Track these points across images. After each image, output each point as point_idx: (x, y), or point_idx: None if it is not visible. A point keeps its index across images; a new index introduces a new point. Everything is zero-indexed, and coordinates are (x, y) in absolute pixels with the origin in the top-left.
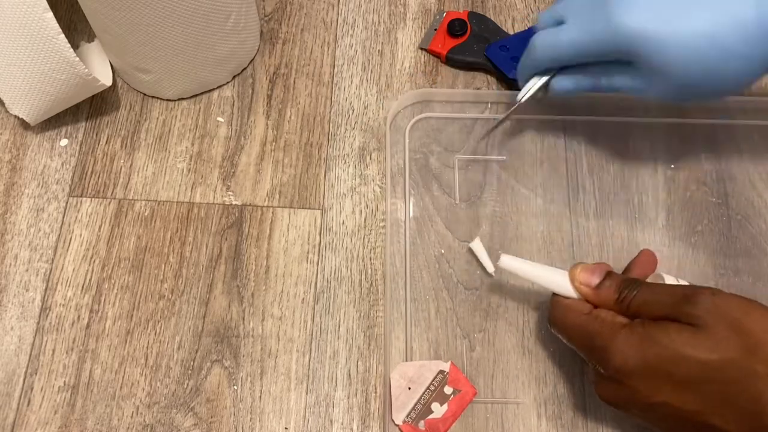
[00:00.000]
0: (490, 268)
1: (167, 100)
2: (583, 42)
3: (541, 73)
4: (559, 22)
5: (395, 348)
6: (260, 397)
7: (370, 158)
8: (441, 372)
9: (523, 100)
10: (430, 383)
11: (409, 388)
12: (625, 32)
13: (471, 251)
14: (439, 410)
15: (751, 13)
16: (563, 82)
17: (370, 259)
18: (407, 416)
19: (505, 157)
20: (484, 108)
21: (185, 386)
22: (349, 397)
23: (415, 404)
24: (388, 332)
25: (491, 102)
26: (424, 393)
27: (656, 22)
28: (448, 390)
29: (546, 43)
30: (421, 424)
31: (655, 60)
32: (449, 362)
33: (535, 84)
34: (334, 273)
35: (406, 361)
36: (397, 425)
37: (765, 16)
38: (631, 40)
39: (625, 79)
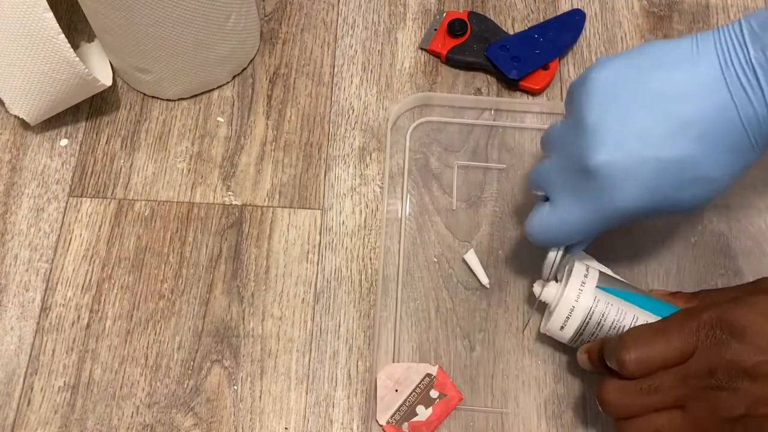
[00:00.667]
0: (484, 280)
1: (167, 100)
2: (584, 227)
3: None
4: (543, 197)
5: (395, 348)
6: (260, 397)
7: (370, 158)
8: (428, 375)
9: (550, 278)
10: (417, 386)
11: (396, 390)
12: (629, 210)
13: (465, 262)
14: (423, 413)
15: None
16: (580, 246)
17: (370, 259)
18: (391, 417)
19: (504, 165)
20: (485, 111)
21: (185, 386)
22: (349, 397)
23: (400, 406)
24: (388, 332)
25: (491, 106)
26: (409, 395)
27: (650, 196)
28: (434, 394)
29: (543, 232)
30: (405, 426)
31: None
32: (437, 366)
33: (554, 260)
34: (334, 273)
35: (406, 360)
36: (381, 425)
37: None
38: (636, 214)
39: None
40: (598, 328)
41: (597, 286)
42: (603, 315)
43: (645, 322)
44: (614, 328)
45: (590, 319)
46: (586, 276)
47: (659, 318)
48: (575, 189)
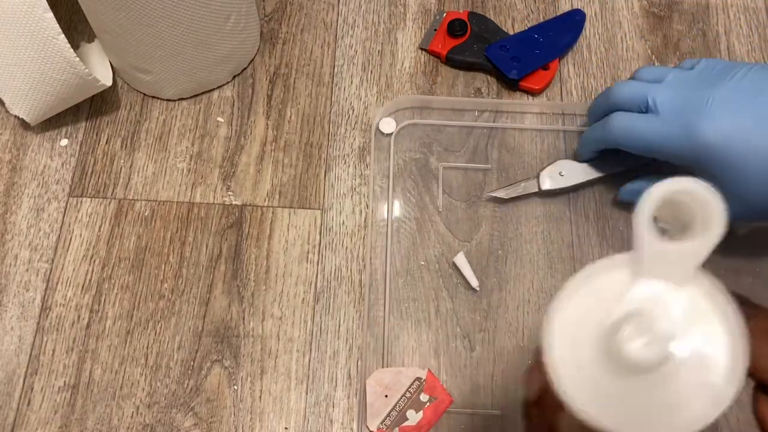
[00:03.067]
0: (474, 283)
1: (167, 100)
2: (661, 136)
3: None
4: (640, 108)
5: (395, 348)
6: (260, 397)
7: (371, 158)
8: (417, 379)
9: (504, 195)
10: (406, 390)
11: (386, 396)
12: (706, 139)
13: (455, 265)
14: (414, 417)
15: None
16: (627, 196)
17: (370, 258)
18: (382, 423)
19: (490, 166)
20: (485, 111)
21: (185, 386)
22: (349, 397)
23: (390, 411)
24: (388, 332)
25: (492, 107)
26: (399, 400)
27: (738, 138)
28: (424, 397)
29: (624, 125)
30: (396, 431)
31: (732, 175)
32: (426, 369)
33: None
34: (334, 273)
35: (406, 360)
36: (372, 431)
37: None
38: (710, 147)
39: None
40: None
41: None
42: None
43: None
44: None
45: None
46: None
47: None
48: (680, 109)
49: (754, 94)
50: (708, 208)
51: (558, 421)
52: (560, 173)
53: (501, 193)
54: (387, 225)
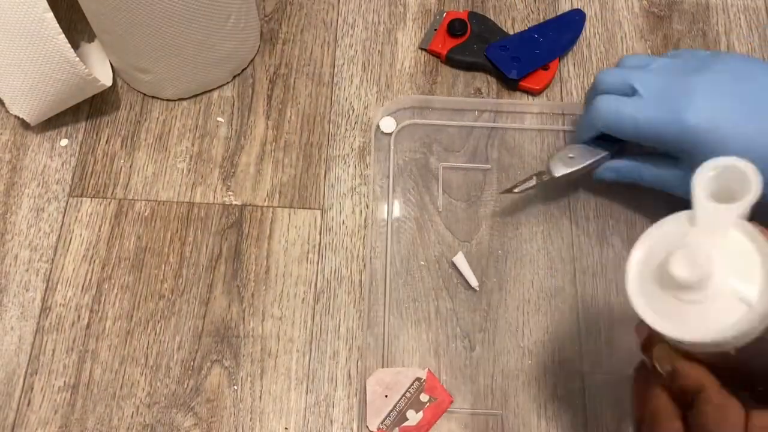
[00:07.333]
0: (474, 283)
1: (167, 100)
2: (647, 118)
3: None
4: (626, 93)
5: (395, 348)
6: (260, 397)
7: (371, 158)
8: (417, 379)
9: (518, 189)
10: (406, 390)
11: (386, 396)
12: (692, 122)
13: (454, 265)
14: (414, 418)
15: None
16: (608, 173)
17: (371, 258)
18: (382, 423)
19: (490, 166)
20: (485, 112)
21: (185, 386)
22: (349, 397)
23: (390, 411)
24: (388, 332)
25: (491, 107)
26: (399, 400)
27: (724, 121)
28: (424, 398)
29: (611, 107)
30: (396, 431)
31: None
32: (426, 369)
33: (528, 182)
34: (334, 273)
35: (406, 361)
36: (371, 431)
37: None
38: (696, 130)
39: (672, 174)
40: None
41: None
42: None
43: None
44: None
45: None
46: None
47: None
48: (667, 94)
49: (737, 78)
50: (746, 178)
51: (654, 352)
52: (570, 156)
53: (515, 189)
54: (387, 225)
